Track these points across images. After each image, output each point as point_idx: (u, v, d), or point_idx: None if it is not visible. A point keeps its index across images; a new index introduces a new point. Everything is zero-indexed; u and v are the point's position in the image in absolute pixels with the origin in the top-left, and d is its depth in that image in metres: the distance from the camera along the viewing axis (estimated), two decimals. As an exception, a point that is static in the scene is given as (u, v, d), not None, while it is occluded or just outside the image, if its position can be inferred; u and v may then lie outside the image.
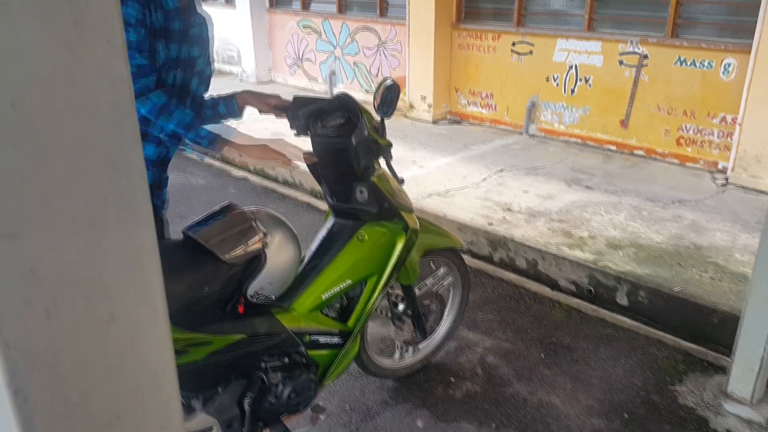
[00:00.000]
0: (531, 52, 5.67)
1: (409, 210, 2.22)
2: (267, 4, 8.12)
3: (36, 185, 0.54)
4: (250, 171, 5.31)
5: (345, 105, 2.04)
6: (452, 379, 2.55)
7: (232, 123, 2.39)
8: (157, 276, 0.66)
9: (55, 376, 0.58)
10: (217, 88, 8.16)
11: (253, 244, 1.77)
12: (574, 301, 3.18)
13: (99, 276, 0.60)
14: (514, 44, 5.76)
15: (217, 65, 9.33)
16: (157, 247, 0.65)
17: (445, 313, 2.66)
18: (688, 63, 4.77)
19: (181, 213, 4.14)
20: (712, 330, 2.86)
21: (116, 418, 0.64)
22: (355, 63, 7.24)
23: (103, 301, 0.61)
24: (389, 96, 2.07)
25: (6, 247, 0.53)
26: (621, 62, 5.13)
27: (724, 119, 4.67)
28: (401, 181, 2.19)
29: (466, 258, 3.23)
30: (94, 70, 0.56)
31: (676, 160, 4.98)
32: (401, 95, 6.75)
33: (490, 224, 3.75)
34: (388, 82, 2.11)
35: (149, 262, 0.65)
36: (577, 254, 3.41)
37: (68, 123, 0.55)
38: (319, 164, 2.08)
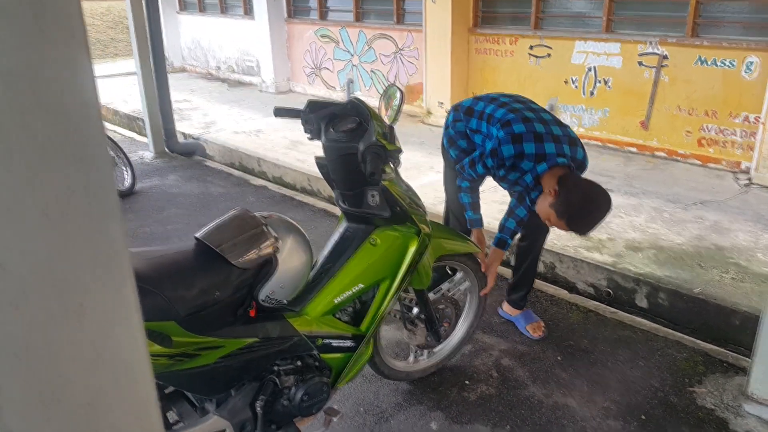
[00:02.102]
0: (549, 55, 5.64)
1: (422, 214, 2.23)
2: (285, 15, 8.23)
3: (3, 180, 0.54)
4: (268, 179, 5.38)
5: (356, 109, 2.07)
6: (467, 382, 2.54)
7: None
8: (128, 268, 0.66)
9: (26, 368, 0.58)
10: (236, 98, 8.35)
11: (265, 249, 1.80)
12: (592, 304, 3.15)
13: (69, 269, 0.60)
14: (531, 47, 5.75)
15: (236, 76, 9.49)
16: (125, 239, 0.66)
17: (461, 317, 2.66)
18: (709, 62, 4.70)
19: (200, 222, 4.21)
20: (733, 331, 2.81)
21: (91, 409, 0.65)
22: (372, 70, 7.29)
23: (73, 294, 0.61)
24: (394, 102, 2.09)
25: None
26: (640, 63, 5.07)
27: (746, 119, 4.59)
28: (407, 188, 2.20)
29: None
30: (57, 64, 0.56)
31: (697, 161, 4.90)
32: (419, 101, 6.78)
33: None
34: (392, 87, 2.13)
35: (119, 255, 0.65)
36: (596, 257, 3.37)
37: (33, 117, 0.55)
38: (330, 169, 2.11)
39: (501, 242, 2.61)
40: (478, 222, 2.66)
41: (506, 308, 2.98)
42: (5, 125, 0.54)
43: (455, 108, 2.69)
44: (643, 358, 2.67)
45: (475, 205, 2.64)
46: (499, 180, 2.56)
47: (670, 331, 2.87)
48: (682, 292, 2.99)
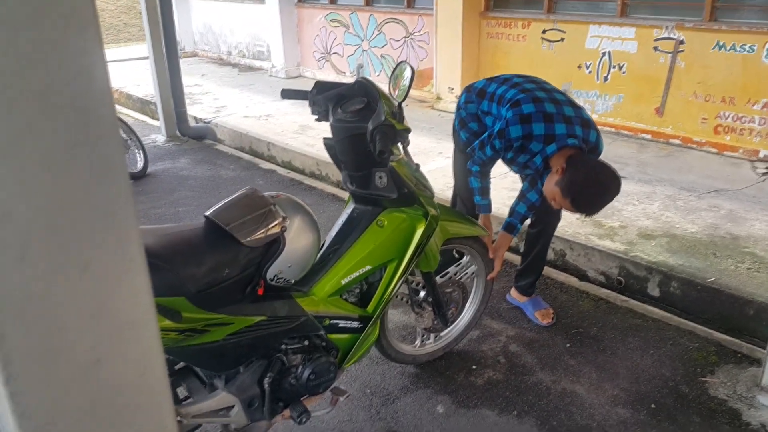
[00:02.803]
0: (562, 40, 5.56)
1: (430, 196, 2.20)
2: (296, -1, 8.17)
3: (5, 129, 0.54)
4: (278, 163, 5.36)
5: (364, 90, 2.04)
6: (474, 367, 2.53)
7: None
8: (133, 225, 0.66)
9: (29, 322, 0.59)
10: (246, 83, 8.32)
11: (273, 228, 1.79)
12: (603, 292, 3.11)
13: (72, 221, 0.61)
14: (544, 32, 5.66)
15: (246, 61, 9.46)
16: (131, 196, 0.66)
17: (468, 301, 2.64)
18: (728, 47, 4.60)
19: (210, 204, 4.20)
20: (748, 321, 2.76)
21: (96, 363, 0.65)
22: (382, 55, 7.23)
23: (77, 247, 0.62)
24: (403, 81, 2.06)
25: None
26: (656, 48, 4.98)
27: (766, 105, 4.49)
28: (416, 167, 2.17)
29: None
30: (59, 15, 0.56)
31: (713, 149, 4.81)
32: (429, 87, 6.72)
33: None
34: (403, 64, 2.09)
35: (124, 211, 0.65)
36: (607, 244, 3.33)
37: (35, 68, 0.55)
38: (338, 150, 2.08)
39: (510, 227, 2.57)
40: (487, 207, 2.62)
41: (514, 294, 2.95)
42: (4, 72, 0.53)
43: (467, 89, 2.65)
44: (654, 346, 2.63)
45: (485, 191, 2.60)
46: (509, 162, 2.52)
47: (683, 320, 2.83)
48: (696, 281, 2.95)
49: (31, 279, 0.59)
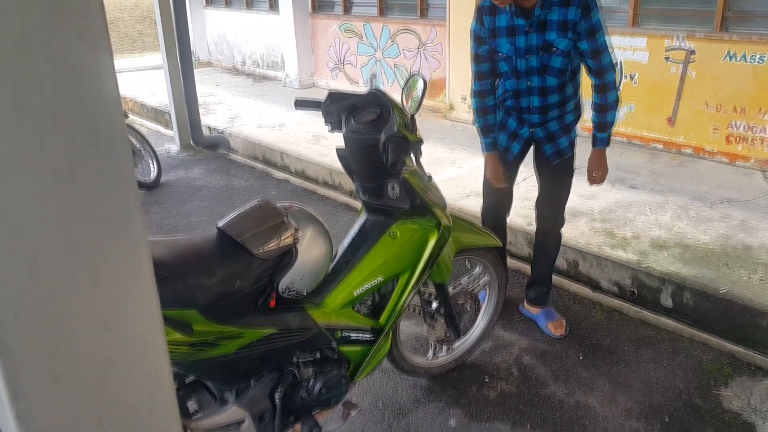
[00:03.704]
0: (573, 50, 5.56)
1: (442, 207, 2.21)
2: (309, 9, 8.24)
3: (14, 142, 0.54)
4: (291, 173, 5.40)
5: (377, 101, 2.06)
6: (487, 379, 2.53)
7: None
8: (142, 238, 0.66)
9: (39, 334, 0.58)
10: (260, 92, 8.36)
11: (285, 239, 1.81)
12: (616, 303, 3.10)
13: (82, 235, 0.60)
14: (556, 42, 5.66)
15: (260, 71, 9.55)
16: (140, 209, 0.66)
17: (481, 312, 2.64)
18: (738, 57, 4.59)
19: (223, 214, 4.25)
20: (761, 333, 2.74)
21: (104, 379, 0.64)
22: (395, 65, 7.27)
23: (87, 261, 0.61)
24: (416, 92, 2.07)
25: None
26: (667, 58, 4.97)
27: (778, 115, 4.47)
28: (429, 179, 2.19)
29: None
30: (73, 32, 0.56)
31: (725, 159, 4.79)
32: (441, 96, 6.71)
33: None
34: (415, 77, 2.11)
35: (133, 224, 0.64)
36: (620, 254, 3.32)
37: (46, 80, 0.55)
38: (351, 160, 2.10)
39: (493, 145, 2.65)
40: (489, 146, 2.65)
41: (527, 306, 2.96)
42: (15, 86, 0.53)
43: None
44: (668, 358, 2.62)
45: (486, 129, 2.63)
46: (503, 54, 2.45)
47: (696, 331, 2.82)
48: (708, 292, 2.93)
49: (40, 293, 0.58)
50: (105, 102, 0.60)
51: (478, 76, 2.58)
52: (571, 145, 2.65)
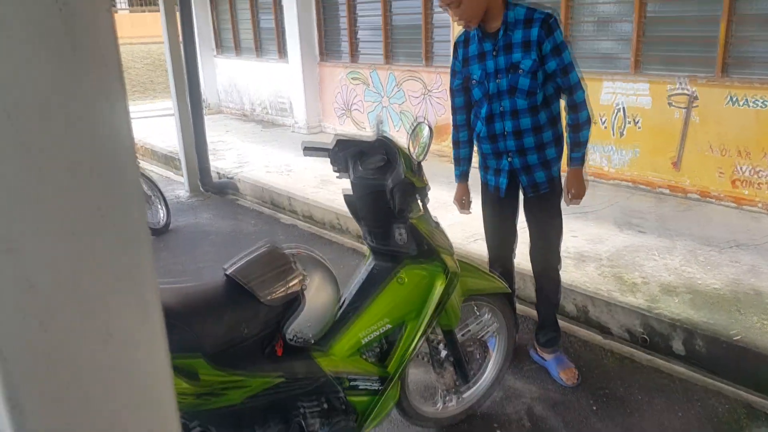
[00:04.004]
0: (577, 96, 5.64)
1: (449, 252, 2.21)
2: (318, 58, 8.45)
3: (33, 200, 0.55)
4: (298, 217, 5.43)
5: (384, 147, 2.09)
6: (498, 430, 2.47)
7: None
8: (155, 291, 0.66)
9: (50, 389, 0.58)
10: (269, 138, 8.48)
11: (292, 285, 1.81)
12: (627, 349, 3.05)
13: (96, 290, 0.61)
14: (559, 88, 5.75)
15: (269, 117, 9.72)
16: (153, 261, 0.66)
17: (491, 360, 2.60)
18: (741, 102, 4.64)
19: (231, 259, 4.25)
20: (778, 381, 2.68)
21: None
22: (401, 111, 7.39)
23: (100, 315, 0.61)
24: (422, 139, 2.10)
25: (4, 260, 0.54)
26: (670, 103, 5.03)
27: (783, 159, 4.48)
28: (436, 224, 2.19)
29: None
30: (91, 90, 0.58)
31: (732, 203, 4.78)
32: (447, 141, 6.76)
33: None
34: (421, 125, 2.15)
35: (146, 278, 0.65)
36: (630, 300, 3.29)
37: (65, 139, 0.57)
38: (358, 205, 2.12)
39: (462, 176, 2.83)
40: (458, 176, 2.83)
41: (538, 351, 2.92)
42: (36, 145, 0.55)
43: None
44: (682, 408, 2.56)
45: (458, 161, 2.82)
46: (488, 80, 2.53)
47: (710, 379, 2.76)
48: (721, 339, 2.88)
49: (52, 346, 0.58)
50: (121, 156, 0.62)
51: (453, 110, 2.78)
52: (550, 181, 2.65)
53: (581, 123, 2.50)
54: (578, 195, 2.63)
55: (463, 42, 2.59)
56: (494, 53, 2.46)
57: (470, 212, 2.88)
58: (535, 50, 2.38)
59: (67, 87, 0.57)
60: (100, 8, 0.59)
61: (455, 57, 2.64)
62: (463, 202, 2.84)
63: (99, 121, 0.60)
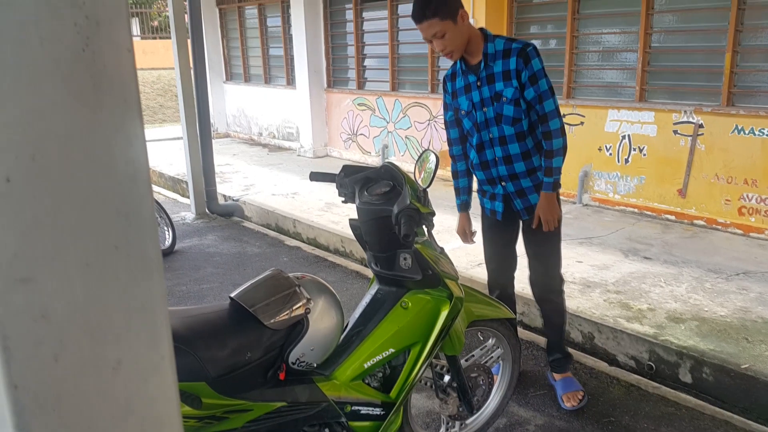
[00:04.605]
0: (582, 123, 5.69)
1: (454, 278, 2.21)
2: (325, 85, 8.57)
3: (50, 233, 0.56)
4: (303, 240, 5.45)
5: (390, 174, 2.11)
6: (501, 457, 2.44)
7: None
8: (165, 323, 0.67)
9: (60, 420, 0.59)
10: (275, 162, 8.56)
11: (296, 310, 1.81)
12: (633, 378, 3.02)
13: (108, 321, 0.62)
14: (564, 116, 5.79)
15: (276, 141, 9.81)
16: (164, 292, 0.67)
17: (495, 387, 2.58)
18: (746, 131, 4.66)
19: (234, 281, 4.26)
20: (787, 412, 2.64)
21: None
22: (407, 137, 7.46)
23: (110, 346, 0.62)
24: (428, 165, 2.13)
25: (19, 290, 0.55)
26: (675, 132, 5.06)
27: (789, 187, 4.48)
28: (441, 250, 2.20)
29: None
30: (111, 127, 0.60)
31: (739, 230, 4.77)
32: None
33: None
34: (428, 152, 2.17)
35: (158, 309, 0.66)
36: (636, 327, 3.26)
37: (84, 176, 0.59)
38: (364, 231, 2.13)
39: (463, 206, 2.85)
40: (459, 206, 2.86)
41: (551, 372, 2.92)
42: (55, 182, 0.57)
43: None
44: (689, 437, 2.52)
45: (458, 191, 2.85)
46: (475, 110, 2.60)
47: (718, 409, 2.72)
48: (729, 368, 2.85)
49: (64, 378, 0.59)
50: (137, 191, 0.63)
51: (449, 142, 2.82)
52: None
53: (554, 150, 2.54)
54: (547, 220, 2.62)
55: (450, 76, 2.69)
56: (478, 84, 2.55)
57: (473, 242, 2.90)
58: (515, 79, 2.46)
59: (87, 125, 0.59)
60: (121, 48, 0.61)
61: (445, 91, 2.73)
62: (465, 233, 2.86)
63: (117, 157, 0.61)
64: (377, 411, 2.02)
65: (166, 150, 9.31)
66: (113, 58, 0.60)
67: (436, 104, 7.02)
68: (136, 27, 21.01)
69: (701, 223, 5.00)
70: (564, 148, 2.55)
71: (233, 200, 6.46)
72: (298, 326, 1.83)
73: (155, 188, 7.59)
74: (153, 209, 0.66)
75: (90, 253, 0.60)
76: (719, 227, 4.88)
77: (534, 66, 2.44)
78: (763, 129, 4.57)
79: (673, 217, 5.17)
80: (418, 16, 2.40)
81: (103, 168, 0.60)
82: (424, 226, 2.13)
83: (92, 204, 0.59)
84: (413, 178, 2.13)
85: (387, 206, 2.02)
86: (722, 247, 4.47)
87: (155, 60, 16.70)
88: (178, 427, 0.71)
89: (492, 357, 2.55)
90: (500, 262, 2.90)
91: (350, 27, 8.04)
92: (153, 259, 0.65)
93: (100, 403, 0.62)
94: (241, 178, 7.38)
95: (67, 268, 0.58)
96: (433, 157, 2.19)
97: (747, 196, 4.72)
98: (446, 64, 6.85)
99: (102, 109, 0.59)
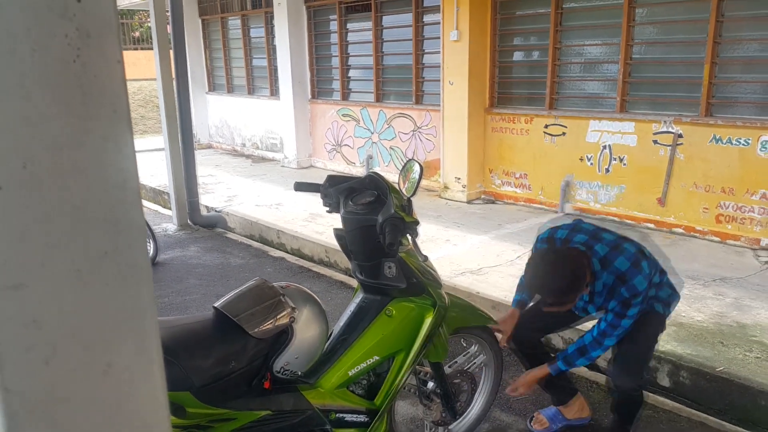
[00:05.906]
0: (564, 134, 5.78)
1: (438, 286, 2.24)
2: (309, 96, 8.60)
3: (41, 239, 0.58)
4: (287, 251, 5.45)
5: (375, 184, 2.14)
6: (484, 463, 2.46)
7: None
8: (154, 328, 0.68)
9: (51, 423, 0.60)
10: (259, 173, 8.54)
11: (281, 319, 1.82)
12: (614, 383, 3.06)
13: (97, 327, 0.63)
14: (546, 126, 5.90)
15: (259, 152, 9.81)
16: (153, 299, 0.69)
17: (477, 393, 2.61)
18: (724, 141, 4.77)
19: (218, 292, 4.25)
20: (760, 413, 2.70)
21: None
22: (391, 147, 7.50)
23: (100, 351, 0.64)
24: (412, 175, 2.16)
25: (11, 297, 0.57)
26: (655, 141, 5.17)
27: (764, 195, 4.60)
28: (425, 259, 2.23)
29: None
30: (100, 136, 0.62)
31: (716, 238, 4.87)
32: (436, 177, 6.88)
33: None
34: (412, 161, 2.20)
35: (147, 315, 0.67)
36: (616, 333, 3.31)
37: (74, 184, 0.60)
38: (348, 240, 2.15)
39: (519, 303, 2.54)
40: (515, 302, 2.57)
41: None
42: (46, 190, 0.58)
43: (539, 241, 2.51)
44: (668, 440, 2.57)
45: (520, 287, 2.60)
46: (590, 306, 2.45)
47: (694, 411, 2.77)
48: (705, 371, 2.91)
49: (55, 382, 0.60)
50: (127, 199, 0.65)
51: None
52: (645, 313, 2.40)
53: (604, 346, 2.32)
54: (517, 387, 2.41)
55: None
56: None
57: (506, 346, 2.58)
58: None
59: (77, 134, 0.60)
60: (111, 59, 0.62)
61: None
62: (503, 331, 2.50)
63: (107, 166, 0.63)
64: (362, 418, 2.03)
65: (147, 161, 9.25)
66: (103, 69, 0.62)
67: (420, 115, 7.08)
68: (118, 38, 20.87)
69: (680, 231, 5.09)
70: (594, 353, 2.33)
71: (216, 211, 6.44)
72: (283, 335, 1.84)
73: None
74: (142, 217, 0.68)
75: (80, 260, 0.61)
76: (697, 235, 4.98)
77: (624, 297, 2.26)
78: (740, 138, 4.68)
79: (652, 225, 5.26)
80: (556, 305, 2.20)
81: (93, 176, 0.62)
82: (408, 235, 2.15)
83: (82, 211, 0.61)
84: (398, 188, 2.16)
85: (372, 216, 2.05)
86: (700, 254, 4.56)
87: (136, 71, 16.59)
88: (167, 430, 0.72)
89: (475, 363, 2.57)
90: (538, 320, 2.56)
91: (334, 38, 8.10)
92: (142, 265, 0.67)
93: (90, 407, 0.64)
94: (224, 189, 7.36)
95: (58, 274, 0.60)
96: (417, 167, 2.22)
97: (724, 204, 4.82)
98: (430, 75, 6.94)
99: (92, 118, 0.61)
